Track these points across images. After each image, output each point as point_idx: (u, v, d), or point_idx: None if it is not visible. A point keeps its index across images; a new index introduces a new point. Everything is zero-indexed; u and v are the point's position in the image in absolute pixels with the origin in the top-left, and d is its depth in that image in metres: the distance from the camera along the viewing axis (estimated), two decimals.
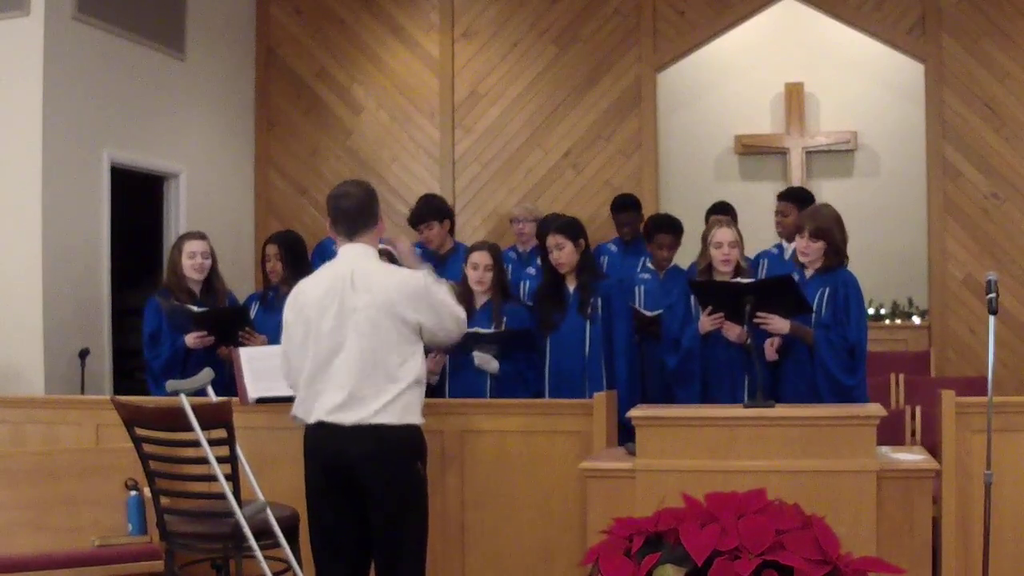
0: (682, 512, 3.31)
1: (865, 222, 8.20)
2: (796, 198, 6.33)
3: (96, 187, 6.69)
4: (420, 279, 3.83)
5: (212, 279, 5.41)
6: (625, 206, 6.81)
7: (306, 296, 3.85)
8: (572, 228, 4.96)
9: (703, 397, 4.64)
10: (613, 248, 6.69)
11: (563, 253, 4.92)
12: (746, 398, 4.49)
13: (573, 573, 4.28)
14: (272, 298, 5.56)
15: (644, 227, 6.22)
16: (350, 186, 4.00)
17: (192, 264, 5.32)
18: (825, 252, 4.56)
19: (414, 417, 3.79)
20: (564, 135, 7.98)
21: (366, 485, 3.73)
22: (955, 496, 4.24)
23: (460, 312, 3.94)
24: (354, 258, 3.84)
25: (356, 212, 3.87)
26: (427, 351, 4.79)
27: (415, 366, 3.78)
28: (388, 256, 5.02)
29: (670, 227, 6.00)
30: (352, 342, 3.72)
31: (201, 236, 5.43)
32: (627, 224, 6.72)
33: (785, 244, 6.33)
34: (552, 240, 4.94)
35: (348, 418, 3.70)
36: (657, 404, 4.48)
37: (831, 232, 4.55)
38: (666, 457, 3.85)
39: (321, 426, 3.75)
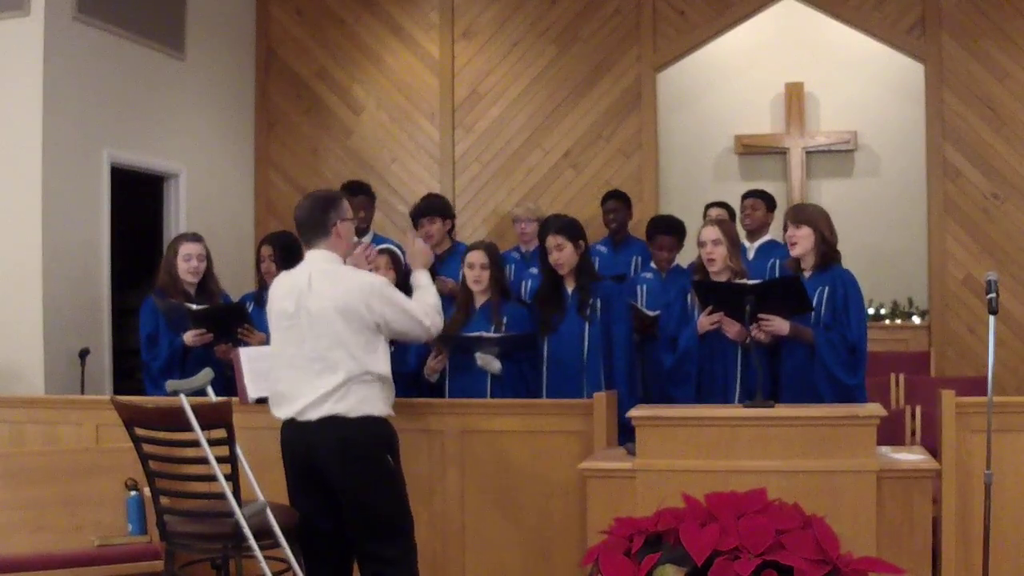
0: (682, 512, 3.31)
1: (865, 222, 8.24)
2: (763, 196, 6.51)
3: (96, 187, 6.69)
4: (375, 280, 3.99)
5: (207, 281, 5.42)
6: (610, 195, 6.91)
7: (271, 298, 4.05)
8: (572, 229, 4.95)
9: (696, 397, 4.64)
10: (602, 248, 6.70)
11: (563, 254, 4.91)
12: (738, 398, 4.50)
13: (573, 573, 4.28)
14: (267, 298, 5.56)
15: (646, 228, 6.24)
16: (305, 199, 4.10)
17: (187, 267, 5.32)
18: (816, 246, 4.54)
19: (374, 409, 3.88)
20: (564, 135, 7.98)
21: (333, 479, 3.84)
22: (955, 496, 4.23)
23: (423, 316, 4.00)
24: (313, 262, 3.97)
25: (302, 225, 4.01)
26: (427, 349, 4.80)
27: (374, 362, 3.87)
28: (391, 255, 5.03)
29: (671, 228, 6.03)
30: (309, 342, 3.85)
31: (197, 238, 5.43)
32: (612, 212, 6.77)
33: (747, 243, 6.36)
34: (552, 241, 4.93)
35: (311, 414, 3.84)
36: (657, 404, 4.48)
37: (814, 219, 4.55)
38: (666, 457, 3.84)
39: (289, 424, 3.92)
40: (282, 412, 3.93)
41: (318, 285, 3.86)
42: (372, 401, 3.87)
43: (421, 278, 4.22)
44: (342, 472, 3.82)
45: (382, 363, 3.91)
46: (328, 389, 3.81)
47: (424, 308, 4.03)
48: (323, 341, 3.82)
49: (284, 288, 3.97)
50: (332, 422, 3.81)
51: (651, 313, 5.42)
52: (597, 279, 5.06)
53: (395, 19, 8.27)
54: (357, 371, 3.82)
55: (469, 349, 4.83)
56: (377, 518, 3.87)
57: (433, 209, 6.06)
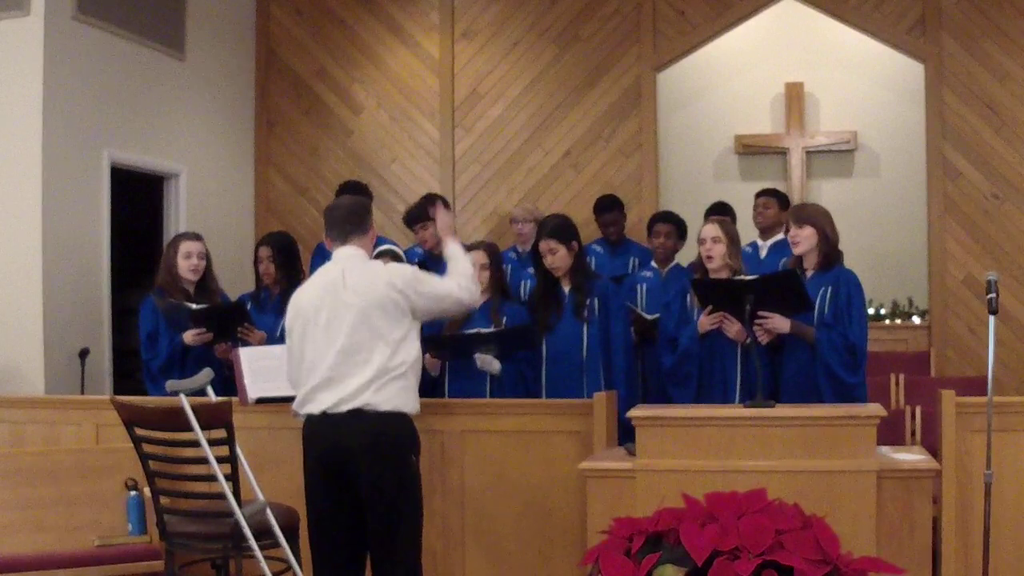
0: (682, 512, 3.31)
1: (865, 222, 8.24)
2: (776, 195, 6.53)
3: (96, 187, 6.69)
4: (405, 270, 4.06)
5: (207, 280, 5.42)
6: (608, 207, 6.86)
7: (302, 298, 4.03)
8: (564, 231, 4.93)
9: (696, 397, 4.63)
10: (599, 249, 6.70)
11: (556, 257, 4.91)
12: (738, 398, 4.50)
13: (573, 573, 4.28)
14: (265, 298, 5.58)
15: (647, 225, 6.27)
16: (343, 198, 4.36)
17: (188, 265, 5.32)
18: (818, 245, 4.54)
19: (405, 405, 3.89)
20: (564, 135, 7.98)
21: (360, 477, 3.82)
22: (955, 496, 4.24)
23: (458, 293, 4.07)
24: (345, 259, 4.01)
25: (344, 219, 4.07)
26: (432, 346, 4.79)
27: (407, 355, 3.91)
28: (392, 257, 5.04)
29: (668, 218, 6.08)
30: (346, 336, 3.85)
31: (197, 237, 5.43)
32: (612, 224, 6.78)
33: (760, 242, 6.37)
34: (545, 245, 4.92)
35: (342, 407, 3.82)
36: (657, 404, 4.48)
37: (816, 219, 4.55)
38: (666, 457, 3.84)
39: (318, 417, 3.88)
40: (314, 407, 3.89)
41: (353, 280, 3.90)
42: (404, 395, 3.89)
43: (452, 248, 4.23)
44: (369, 468, 3.80)
45: (416, 352, 3.97)
46: (364, 381, 3.82)
47: (457, 282, 4.08)
48: (360, 334, 3.84)
49: (316, 290, 3.97)
50: (362, 416, 3.80)
51: (650, 317, 5.41)
52: (593, 279, 5.05)
53: (395, 19, 8.26)
54: (392, 363, 3.85)
55: (467, 349, 4.83)
56: (396, 518, 3.84)
57: (425, 215, 6.06)
